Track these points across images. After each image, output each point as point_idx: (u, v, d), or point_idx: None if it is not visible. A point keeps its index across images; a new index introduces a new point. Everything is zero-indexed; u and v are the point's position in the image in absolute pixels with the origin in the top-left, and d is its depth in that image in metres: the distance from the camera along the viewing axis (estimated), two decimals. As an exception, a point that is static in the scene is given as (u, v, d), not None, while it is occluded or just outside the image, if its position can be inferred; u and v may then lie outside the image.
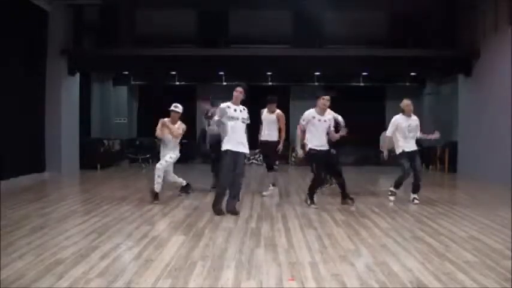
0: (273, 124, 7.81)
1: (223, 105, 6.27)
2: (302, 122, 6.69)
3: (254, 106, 8.12)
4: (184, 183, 7.63)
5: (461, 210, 6.65)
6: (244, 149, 6.30)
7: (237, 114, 6.24)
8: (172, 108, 7.16)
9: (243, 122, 6.30)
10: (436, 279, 3.59)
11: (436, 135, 7.42)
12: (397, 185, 7.22)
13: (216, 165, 7.77)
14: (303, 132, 6.75)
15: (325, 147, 6.72)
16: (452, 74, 12.61)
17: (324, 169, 6.79)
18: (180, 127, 7.15)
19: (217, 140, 6.85)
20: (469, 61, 11.48)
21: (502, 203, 7.21)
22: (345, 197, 6.93)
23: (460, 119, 12.24)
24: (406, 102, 7.23)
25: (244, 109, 6.35)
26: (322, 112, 6.67)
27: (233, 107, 6.25)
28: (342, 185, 6.91)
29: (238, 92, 6.27)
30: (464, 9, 11.52)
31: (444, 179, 11.44)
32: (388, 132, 7.25)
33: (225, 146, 6.18)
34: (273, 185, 7.96)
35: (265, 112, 7.94)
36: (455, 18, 11.86)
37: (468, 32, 11.45)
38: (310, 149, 6.64)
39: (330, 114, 6.87)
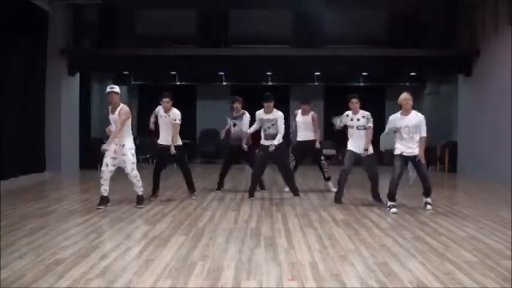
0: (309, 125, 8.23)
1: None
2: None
3: (254, 106, 8.17)
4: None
5: (461, 210, 6.65)
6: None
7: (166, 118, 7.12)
8: (108, 89, 6.46)
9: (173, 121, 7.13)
10: (436, 279, 3.59)
11: (423, 159, 6.44)
12: (390, 197, 6.50)
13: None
14: None
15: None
16: (452, 74, 12.60)
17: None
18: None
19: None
20: (469, 61, 11.47)
21: (502, 203, 7.21)
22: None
23: (460, 119, 12.24)
24: (403, 96, 6.46)
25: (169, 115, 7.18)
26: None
27: (163, 114, 7.15)
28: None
29: (165, 103, 7.10)
30: (464, 9, 11.51)
31: (444, 179, 11.43)
32: (385, 130, 6.67)
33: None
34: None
35: (299, 113, 8.26)
36: (455, 18, 11.85)
37: (468, 32, 11.44)
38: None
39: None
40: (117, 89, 6.53)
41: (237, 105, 8.07)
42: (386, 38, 12.36)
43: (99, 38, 12.23)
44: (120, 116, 6.35)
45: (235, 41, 12.06)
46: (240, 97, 8.18)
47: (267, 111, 7.37)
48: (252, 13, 11.99)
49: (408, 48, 11.65)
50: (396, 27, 12.24)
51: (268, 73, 14.45)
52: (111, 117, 6.49)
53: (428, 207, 6.57)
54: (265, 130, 7.37)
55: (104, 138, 6.97)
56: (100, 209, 6.35)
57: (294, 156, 8.32)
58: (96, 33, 12.30)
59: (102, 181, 6.43)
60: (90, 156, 11.98)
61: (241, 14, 12.23)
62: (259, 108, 7.59)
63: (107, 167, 6.41)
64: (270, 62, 11.86)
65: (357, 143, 7.00)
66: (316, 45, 11.67)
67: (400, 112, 6.53)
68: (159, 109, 7.24)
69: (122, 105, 6.51)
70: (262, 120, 7.38)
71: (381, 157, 14.19)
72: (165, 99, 7.11)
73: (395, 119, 6.50)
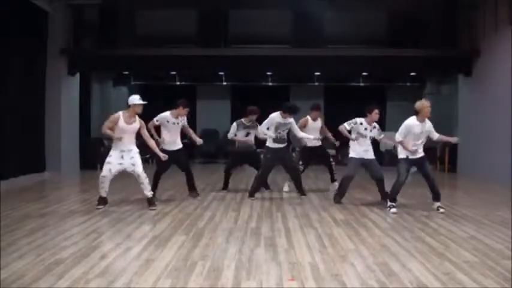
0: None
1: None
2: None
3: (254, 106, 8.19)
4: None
5: (461, 210, 6.65)
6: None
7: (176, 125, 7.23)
8: (140, 102, 6.54)
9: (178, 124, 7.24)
10: (436, 279, 3.60)
11: (455, 139, 6.86)
12: (392, 198, 6.51)
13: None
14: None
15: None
16: (452, 74, 12.60)
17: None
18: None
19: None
20: (469, 61, 11.47)
21: (502, 203, 7.21)
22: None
23: (460, 119, 12.24)
24: (425, 104, 6.28)
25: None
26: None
27: (172, 120, 7.16)
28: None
29: (181, 108, 7.15)
30: (464, 9, 11.52)
31: (444, 179, 11.42)
32: (399, 134, 6.36)
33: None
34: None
35: (310, 119, 8.22)
36: (455, 18, 11.85)
37: (468, 32, 11.44)
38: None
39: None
40: None
41: (253, 116, 7.97)
42: (386, 38, 12.37)
43: (99, 38, 12.24)
44: (144, 126, 6.70)
45: (235, 41, 12.07)
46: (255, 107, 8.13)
47: (285, 117, 7.41)
48: (252, 13, 11.99)
49: (408, 48, 11.66)
50: (396, 27, 12.24)
51: (268, 73, 14.44)
52: (127, 126, 6.46)
53: (441, 210, 6.41)
54: (279, 133, 7.39)
55: (104, 138, 6.96)
56: (99, 208, 6.36)
57: (303, 162, 8.34)
58: (96, 33, 12.30)
59: (102, 184, 6.39)
60: (90, 156, 12.00)
61: (241, 14, 12.23)
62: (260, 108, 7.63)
63: (110, 172, 6.36)
64: (270, 62, 11.86)
65: (362, 151, 6.99)
66: (316, 45, 11.67)
67: (415, 118, 6.36)
68: (167, 117, 7.17)
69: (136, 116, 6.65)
70: (279, 124, 7.36)
71: (381, 157, 14.26)
72: (188, 110, 7.24)
73: (413, 126, 6.32)
